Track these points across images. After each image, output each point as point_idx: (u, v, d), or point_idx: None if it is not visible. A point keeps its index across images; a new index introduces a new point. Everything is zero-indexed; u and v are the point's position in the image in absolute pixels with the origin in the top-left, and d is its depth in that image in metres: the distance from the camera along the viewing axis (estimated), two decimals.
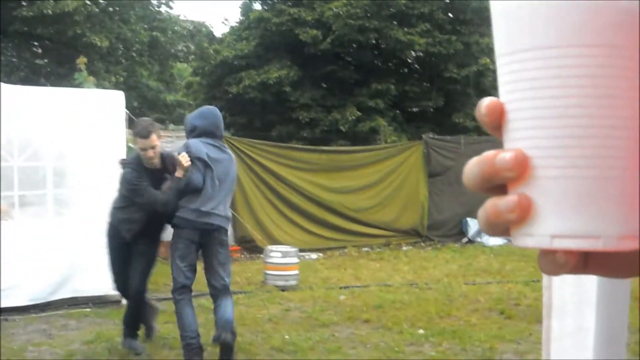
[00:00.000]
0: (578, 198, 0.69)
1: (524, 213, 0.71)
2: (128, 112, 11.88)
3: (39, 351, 8.67)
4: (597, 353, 1.07)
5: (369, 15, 24.15)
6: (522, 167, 0.71)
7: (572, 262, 0.70)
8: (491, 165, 0.72)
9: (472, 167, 0.74)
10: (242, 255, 16.56)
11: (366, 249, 18.00)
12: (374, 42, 25.13)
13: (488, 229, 0.74)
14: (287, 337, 9.22)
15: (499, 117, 0.74)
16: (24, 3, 23.86)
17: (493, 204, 0.72)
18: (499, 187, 0.74)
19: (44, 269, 10.82)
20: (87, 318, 10.51)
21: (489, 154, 0.72)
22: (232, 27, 29.99)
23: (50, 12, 23.01)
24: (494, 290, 12.48)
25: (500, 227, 0.73)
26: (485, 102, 0.75)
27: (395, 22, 24.93)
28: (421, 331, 9.58)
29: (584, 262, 0.71)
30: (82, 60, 14.86)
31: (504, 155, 0.71)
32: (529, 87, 0.71)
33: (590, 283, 1.08)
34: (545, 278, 1.26)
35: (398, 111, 25.21)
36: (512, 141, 0.73)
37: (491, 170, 0.72)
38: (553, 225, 0.70)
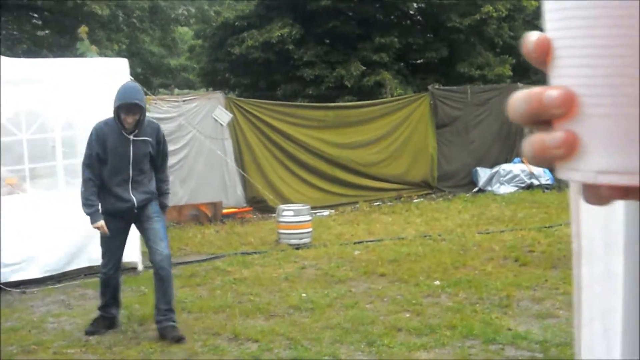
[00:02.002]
0: (624, 136, 0.69)
1: (571, 149, 0.72)
2: (132, 78, 11.86)
3: (58, 322, 8.74)
4: (626, 297, 1.07)
5: None
6: (569, 105, 0.71)
7: (615, 196, 0.72)
8: (539, 102, 0.72)
9: (519, 103, 0.75)
10: (254, 216, 16.60)
11: (377, 203, 18.03)
12: None
13: (533, 160, 0.75)
14: (304, 294, 9.27)
15: (545, 53, 0.75)
16: None
17: (540, 140, 0.73)
18: (544, 122, 0.74)
19: (58, 240, 10.87)
20: None
21: (536, 90, 0.73)
22: None
23: None
24: (508, 238, 12.51)
25: (545, 161, 0.74)
26: (533, 37, 0.76)
27: None
28: (437, 282, 9.62)
29: (625, 193, 0.72)
30: (83, 30, 14.81)
31: (552, 93, 0.72)
32: (582, 25, 0.71)
33: (617, 227, 1.07)
34: (574, 225, 1.26)
35: (402, 64, 25.07)
36: (560, 77, 0.74)
37: (539, 106, 0.73)
38: (598, 161, 0.71)
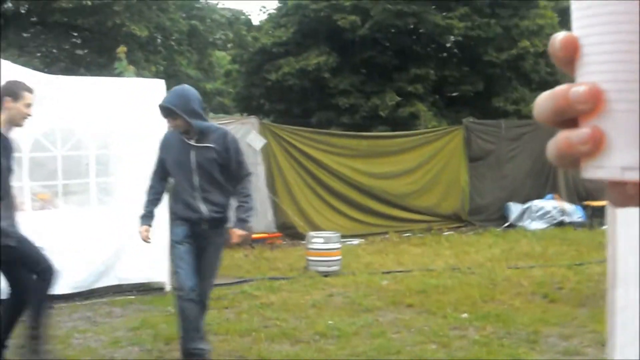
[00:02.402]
0: None
1: (597, 145, 0.72)
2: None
3: (84, 338, 8.75)
4: None
5: None
6: (596, 100, 0.71)
7: None
8: (565, 99, 0.73)
9: (545, 101, 0.75)
10: (284, 242, 16.60)
11: (408, 234, 17.98)
12: (412, 26, 25.05)
13: (558, 160, 0.75)
14: (330, 322, 9.24)
15: (573, 51, 0.75)
16: None
17: (565, 137, 0.73)
18: (569, 122, 0.74)
19: (87, 257, 10.91)
20: (131, 305, 10.59)
21: (562, 87, 0.73)
22: (270, 15, 29.96)
23: (89, 2, 23.16)
24: (537, 274, 12.42)
25: (570, 159, 0.74)
26: (560, 36, 0.76)
27: (433, 7, 24.83)
28: (465, 315, 9.56)
29: None
30: (122, 50, 14.93)
31: (578, 89, 0.72)
32: (608, 21, 0.71)
33: None
34: (610, 248, 1.25)
35: (437, 96, 25.12)
36: (586, 75, 0.74)
37: (564, 103, 0.73)
38: (625, 157, 0.71)
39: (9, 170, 7.17)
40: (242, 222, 7.53)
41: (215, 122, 17.57)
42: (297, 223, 16.51)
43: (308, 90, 25.22)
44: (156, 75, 21.94)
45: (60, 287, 10.46)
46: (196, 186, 7.28)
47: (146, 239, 7.79)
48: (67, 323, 9.52)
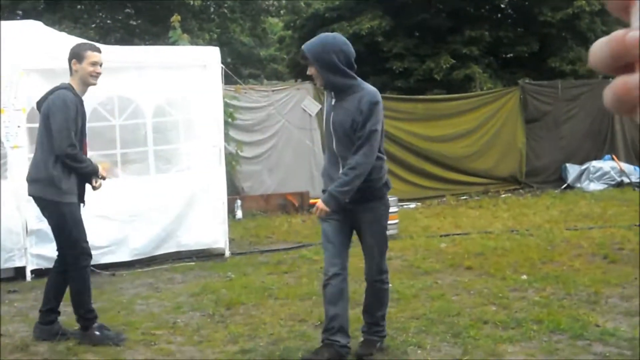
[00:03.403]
0: None
1: None
2: (224, 67, 11.98)
3: (147, 304, 8.87)
4: None
5: None
6: None
7: None
8: (621, 44, 0.73)
9: (601, 47, 0.76)
10: None
11: (465, 197, 17.97)
12: None
13: (615, 106, 0.75)
14: (390, 284, 9.26)
15: None
16: None
17: (623, 81, 0.73)
18: (625, 67, 0.75)
19: (147, 225, 11.05)
20: (191, 271, 10.72)
21: (618, 33, 0.74)
22: None
23: None
24: (596, 235, 12.34)
25: (627, 104, 0.74)
26: None
27: None
28: (524, 277, 9.54)
29: None
30: (176, 18, 15.01)
31: (635, 33, 0.72)
32: None
33: None
34: None
35: (492, 57, 24.84)
36: None
37: (621, 48, 0.73)
38: None
39: (84, 133, 7.42)
40: (330, 195, 6.39)
41: (271, 88, 17.68)
42: None
43: (362, 54, 24.83)
44: (210, 43, 22.00)
45: (121, 254, 10.67)
46: (335, 153, 6.49)
47: (322, 213, 6.55)
48: (130, 290, 9.66)
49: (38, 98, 10.26)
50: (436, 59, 23.45)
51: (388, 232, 12.68)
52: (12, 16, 22.03)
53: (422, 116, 18.19)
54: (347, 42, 6.32)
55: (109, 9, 25.87)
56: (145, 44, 22.45)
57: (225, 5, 26.66)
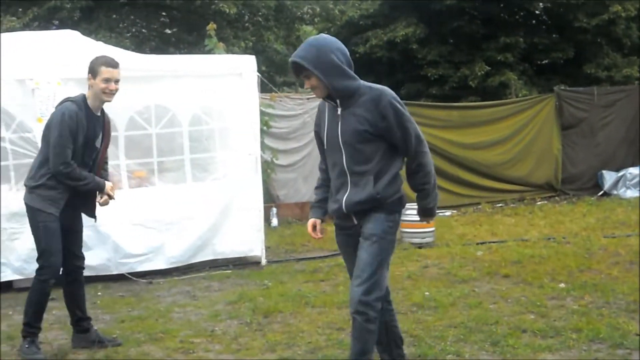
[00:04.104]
0: None
1: None
2: (260, 75, 12.01)
3: (184, 312, 8.90)
4: None
5: None
6: None
7: None
8: None
9: None
10: None
11: (500, 204, 17.91)
12: None
13: None
14: (427, 293, 9.25)
15: None
16: None
17: None
18: None
19: (184, 233, 11.10)
20: (228, 279, 10.75)
21: None
22: None
23: None
24: (634, 243, 12.24)
25: None
26: None
27: None
28: (562, 285, 9.48)
29: None
30: (211, 27, 15.07)
31: None
32: None
33: None
34: None
35: (527, 64, 24.74)
36: None
37: None
38: None
39: (93, 147, 7.28)
40: (426, 213, 6.09)
41: (306, 95, 17.70)
42: None
43: (396, 62, 25.10)
44: (245, 51, 22.09)
45: (158, 262, 10.72)
46: (344, 168, 5.67)
47: (315, 236, 6.15)
48: (167, 298, 9.70)
49: None
50: (471, 66, 23.39)
51: (423, 240, 12.82)
52: (48, 26, 22.23)
53: (458, 123, 18.14)
54: (337, 39, 5.67)
55: (145, 18, 26.04)
56: (181, 53, 22.58)
57: (260, 13, 26.72)
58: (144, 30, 26.82)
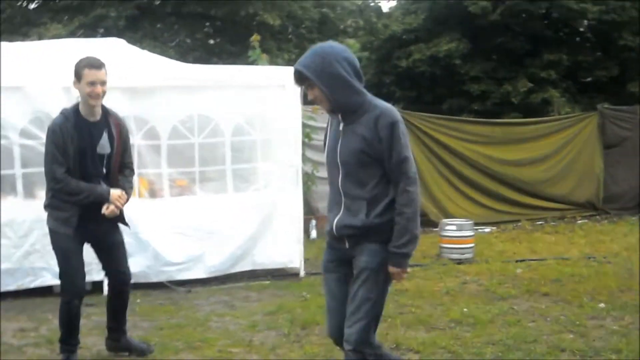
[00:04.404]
0: None
1: None
2: (302, 87, 12.01)
3: (222, 321, 8.93)
4: None
5: None
6: None
7: None
8: None
9: None
10: None
11: (540, 222, 17.77)
12: (544, 11, 24.66)
13: None
14: (465, 309, 9.22)
15: None
16: None
17: None
18: None
19: (224, 243, 11.13)
20: (267, 290, 10.75)
21: None
22: (400, 1, 29.93)
23: None
24: None
25: None
26: None
27: None
28: (602, 305, 9.41)
29: None
30: (255, 38, 15.10)
31: None
32: None
33: None
34: None
35: (570, 82, 24.65)
36: None
37: None
38: None
39: (94, 158, 6.86)
40: (395, 254, 5.13)
41: None
42: (429, 210, 16.47)
43: (439, 77, 25.10)
44: (288, 63, 22.13)
45: (197, 271, 10.77)
46: (339, 188, 5.25)
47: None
48: (205, 307, 9.73)
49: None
50: (513, 82, 23.35)
51: (463, 256, 12.76)
52: (93, 34, 22.46)
53: (499, 140, 18.04)
54: (347, 48, 5.20)
55: (189, 28, 26.23)
56: (224, 63, 22.68)
57: (303, 26, 26.83)
58: (187, 40, 27.03)
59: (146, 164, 10.85)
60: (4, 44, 11.22)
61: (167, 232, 10.80)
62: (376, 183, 5.11)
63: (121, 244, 7.26)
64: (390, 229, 5.09)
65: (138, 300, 10.00)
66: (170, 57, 13.99)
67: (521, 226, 17.26)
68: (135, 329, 8.30)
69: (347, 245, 5.24)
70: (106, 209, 6.88)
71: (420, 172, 16.62)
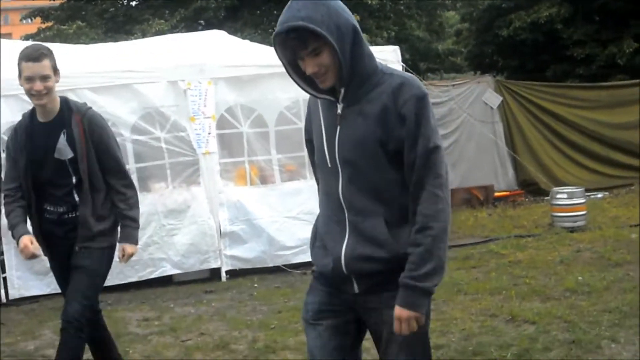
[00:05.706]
0: None
1: None
2: (404, 65, 12.07)
3: None
4: None
5: None
6: None
7: None
8: None
9: None
10: (526, 199, 16.53)
11: None
12: None
13: None
14: (580, 278, 9.17)
15: None
16: None
17: None
18: None
19: None
20: None
21: None
22: None
23: None
24: None
25: None
26: None
27: None
28: None
29: None
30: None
31: None
32: None
33: None
34: None
35: None
36: None
37: None
38: None
39: (42, 161, 5.53)
40: (411, 289, 3.32)
41: (451, 82, 17.67)
42: (539, 179, 16.36)
43: (541, 43, 24.79)
44: (387, 41, 22.18)
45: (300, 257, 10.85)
46: (340, 200, 3.50)
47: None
48: None
49: (226, 106, 10.68)
50: (618, 43, 22.93)
51: (575, 224, 12.66)
52: (195, 26, 22.80)
53: (607, 103, 17.74)
54: None
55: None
56: None
57: (402, 2, 26.75)
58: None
59: (255, 151, 11.07)
60: (110, 44, 11.53)
61: (279, 217, 10.98)
62: (401, 189, 3.44)
63: (84, 271, 5.56)
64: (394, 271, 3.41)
65: (255, 285, 10.23)
66: (271, 44, 14.16)
67: (634, 190, 16.96)
68: (255, 313, 8.52)
69: (356, 289, 3.54)
70: (121, 256, 5.69)
71: (528, 141, 16.56)
